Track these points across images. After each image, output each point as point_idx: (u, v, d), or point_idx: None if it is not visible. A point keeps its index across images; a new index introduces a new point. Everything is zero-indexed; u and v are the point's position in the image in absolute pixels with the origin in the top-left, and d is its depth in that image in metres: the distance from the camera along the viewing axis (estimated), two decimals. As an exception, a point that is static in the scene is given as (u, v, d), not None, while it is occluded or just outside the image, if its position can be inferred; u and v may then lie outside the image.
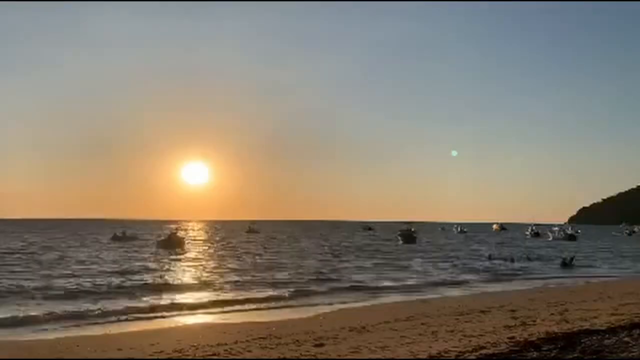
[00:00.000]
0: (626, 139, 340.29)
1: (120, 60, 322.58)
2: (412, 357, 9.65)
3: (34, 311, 18.51)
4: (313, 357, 10.23)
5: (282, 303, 21.58)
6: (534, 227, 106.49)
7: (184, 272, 33.44)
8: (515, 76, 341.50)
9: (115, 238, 70.50)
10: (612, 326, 11.67)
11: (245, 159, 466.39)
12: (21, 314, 17.99)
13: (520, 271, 36.42)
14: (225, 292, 24.20)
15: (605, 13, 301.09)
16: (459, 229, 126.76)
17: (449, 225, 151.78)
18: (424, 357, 9.49)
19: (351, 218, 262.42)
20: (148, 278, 29.26)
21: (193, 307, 20.63)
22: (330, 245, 68.17)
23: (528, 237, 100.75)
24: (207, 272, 33.50)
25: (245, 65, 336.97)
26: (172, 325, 17.01)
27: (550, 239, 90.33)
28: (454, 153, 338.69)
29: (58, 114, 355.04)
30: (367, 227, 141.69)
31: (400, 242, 72.22)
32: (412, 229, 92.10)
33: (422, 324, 14.12)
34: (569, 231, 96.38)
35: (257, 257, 45.70)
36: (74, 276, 29.61)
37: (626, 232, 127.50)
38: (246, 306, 20.79)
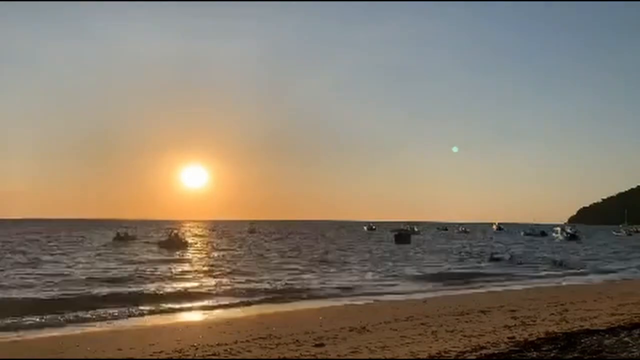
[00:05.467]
0: (626, 139, 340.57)
1: (121, 61, 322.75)
2: (412, 357, 9.64)
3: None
4: (313, 357, 10.22)
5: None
6: (534, 227, 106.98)
7: (183, 272, 33.43)
8: (516, 75, 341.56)
9: (118, 238, 70.94)
10: (612, 326, 11.67)
11: (245, 160, 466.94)
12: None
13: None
14: (224, 293, 24.21)
15: (606, 11, 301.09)
16: (460, 229, 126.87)
17: (450, 226, 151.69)
18: (424, 357, 9.48)
19: (353, 218, 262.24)
20: (148, 278, 29.30)
21: (192, 307, 20.70)
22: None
23: (524, 235, 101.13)
24: (205, 271, 33.52)
25: (245, 66, 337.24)
26: (172, 325, 17.00)
27: (561, 238, 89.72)
28: (455, 149, 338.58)
29: (58, 114, 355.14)
30: (371, 227, 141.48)
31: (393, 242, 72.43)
32: (416, 229, 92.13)
33: (422, 324, 14.10)
34: (570, 231, 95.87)
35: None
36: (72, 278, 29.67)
37: (633, 231, 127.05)
38: (246, 306, 20.83)
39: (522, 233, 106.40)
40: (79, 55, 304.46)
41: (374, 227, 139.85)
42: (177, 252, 51.07)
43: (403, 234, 77.64)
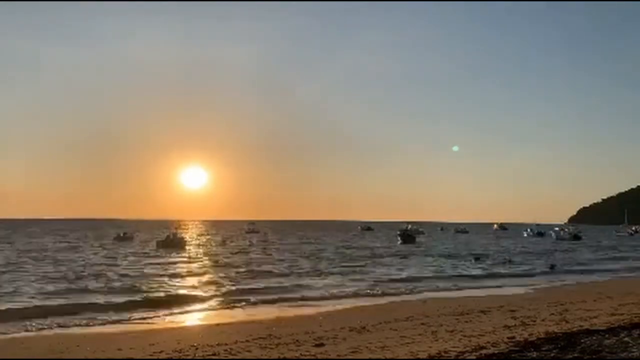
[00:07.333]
0: (626, 139, 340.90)
1: (122, 63, 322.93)
2: (412, 357, 9.65)
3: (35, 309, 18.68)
4: (313, 357, 10.23)
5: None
6: (534, 227, 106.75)
7: (181, 272, 33.39)
8: (516, 76, 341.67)
9: (118, 238, 71.09)
10: (612, 326, 11.68)
11: (244, 161, 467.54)
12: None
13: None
14: (223, 293, 24.20)
15: (605, 15, 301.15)
16: (459, 229, 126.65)
17: (449, 226, 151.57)
18: (424, 357, 9.49)
19: (353, 218, 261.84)
20: (146, 278, 29.27)
21: (192, 308, 20.71)
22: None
23: (526, 236, 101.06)
24: (206, 271, 33.49)
25: (245, 68, 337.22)
26: (172, 325, 17.00)
27: (554, 239, 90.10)
28: (455, 149, 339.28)
29: (59, 115, 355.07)
30: (367, 227, 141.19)
31: (399, 242, 72.59)
32: (421, 229, 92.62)
33: (422, 324, 14.11)
34: (573, 231, 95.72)
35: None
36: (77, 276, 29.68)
37: (634, 231, 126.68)
38: (244, 306, 20.82)
39: (525, 234, 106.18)
40: (79, 56, 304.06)
41: (371, 227, 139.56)
42: (176, 252, 50.99)
43: (408, 234, 78.96)
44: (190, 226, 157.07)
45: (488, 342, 10.44)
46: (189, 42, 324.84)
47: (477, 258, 45.05)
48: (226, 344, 11.82)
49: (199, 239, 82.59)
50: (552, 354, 8.83)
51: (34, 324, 16.41)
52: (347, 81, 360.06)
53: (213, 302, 21.63)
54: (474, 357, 9.09)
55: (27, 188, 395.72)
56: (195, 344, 11.96)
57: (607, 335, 10.27)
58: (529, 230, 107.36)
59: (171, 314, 19.14)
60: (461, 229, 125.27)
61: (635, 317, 13.32)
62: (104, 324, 16.87)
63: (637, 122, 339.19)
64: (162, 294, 23.43)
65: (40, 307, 19.40)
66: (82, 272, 32.04)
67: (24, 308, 19.31)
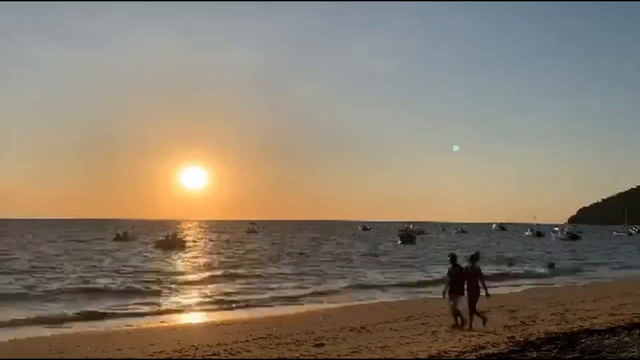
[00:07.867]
0: (626, 139, 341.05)
1: (123, 63, 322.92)
2: (412, 357, 9.64)
3: (38, 310, 18.69)
4: (313, 357, 10.23)
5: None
6: (534, 227, 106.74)
7: (181, 273, 33.36)
8: (516, 77, 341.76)
9: (117, 238, 70.86)
10: (612, 326, 11.68)
11: (244, 161, 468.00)
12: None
13: None
14: (222, 293, 24.19)
15: (605, 16, 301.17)
16: (459, 229, 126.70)
17: (449, 226, 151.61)
18: (424, 357, 9.48)
19: (353, 218, 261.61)
20: (145, 279, 29.24)
21: (191, 307, 20.72)
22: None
23: (526, 236, 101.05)
24: (203, 271, 33.47)
25: (245, 70, 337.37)
26: (172, 325, 16.99)
27: (554, 239, 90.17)
28: (455, 148, 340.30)
29: (58, 115, 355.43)
30: (366, 227, 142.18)
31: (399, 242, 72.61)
32: (422, 229, 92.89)
33: (422, 324, 14.12)
34: (572, 230, 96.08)
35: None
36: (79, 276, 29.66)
37: (635, 231, 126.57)
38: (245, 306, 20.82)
39: (525, 234, 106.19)
40: (79, 56, 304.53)
41: (368, 227, 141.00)
42: (175, 253, 50.88)
43: (408, 234, 79.20)
44: (190, 226, 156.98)
45: (488, 342, 10.43)
46: (190, 42, 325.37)
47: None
48: (226, 344, 11.82)
49: (198, 239, 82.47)
50: (552, 354, 8.83)
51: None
52: (347, 81, 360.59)
53: (212, 302, 21.62)
54: (474, 357, 9.09)
55: (27, 188, 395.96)
56: (195, 344, 11.95)
57: (607, 335, 10.27)
58: (528, 230, 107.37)
59: (171, 314, 19.15)
60: (461, 229, 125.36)
61: (635, 317, 13.32)
62: (103, 324, 16.86)
63: (637, 122, 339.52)
64: (160, 294, 23.43)
65: (41, 307, 19.43)
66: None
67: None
